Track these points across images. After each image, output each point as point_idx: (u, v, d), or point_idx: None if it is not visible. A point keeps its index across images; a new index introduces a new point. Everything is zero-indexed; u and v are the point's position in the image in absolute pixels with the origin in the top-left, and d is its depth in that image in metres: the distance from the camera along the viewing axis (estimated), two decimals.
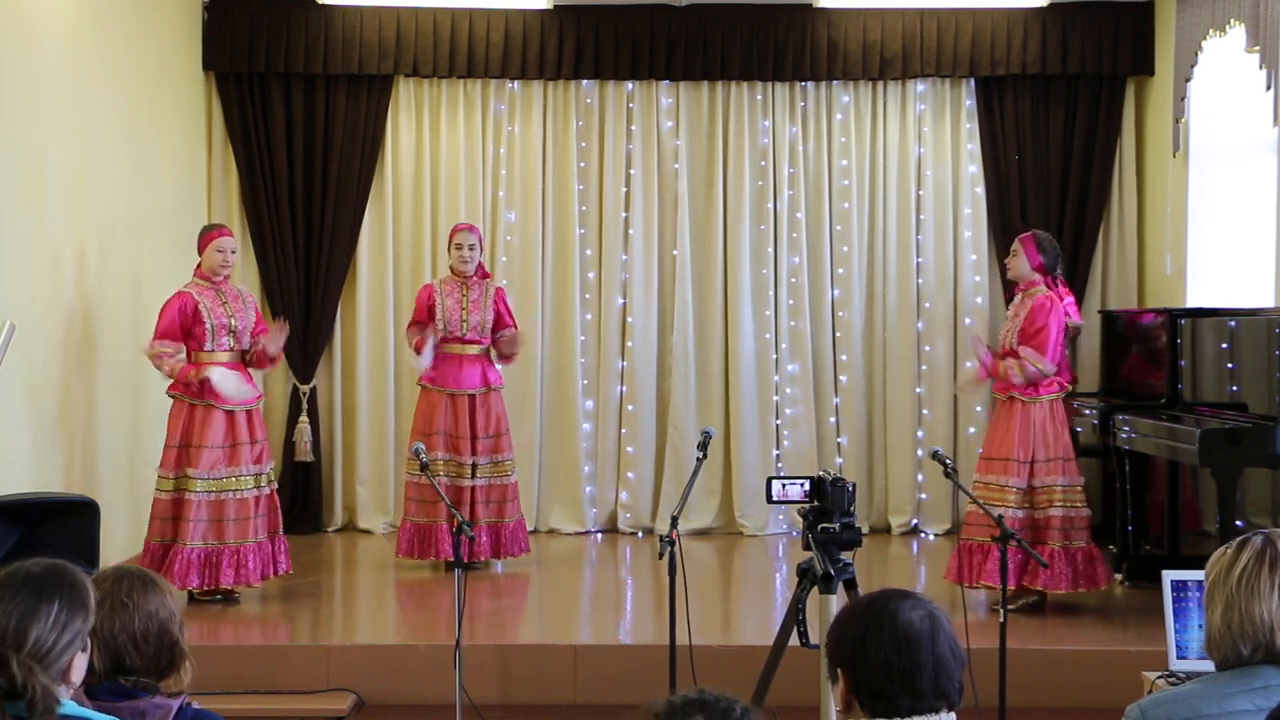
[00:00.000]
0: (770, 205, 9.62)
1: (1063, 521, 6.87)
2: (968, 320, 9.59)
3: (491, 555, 8.08)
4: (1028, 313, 6.90)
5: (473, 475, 7.98)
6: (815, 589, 4.70)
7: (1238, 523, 6.52)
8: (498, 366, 8.21)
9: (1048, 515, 6.88)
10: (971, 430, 9.55)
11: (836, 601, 4.56)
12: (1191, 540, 7.86)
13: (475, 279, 8.07)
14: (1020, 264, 7.02)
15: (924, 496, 9.58)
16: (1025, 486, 6.88)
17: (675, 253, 9.63)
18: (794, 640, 4.79)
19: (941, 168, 9.64)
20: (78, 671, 2.67)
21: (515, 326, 8.22)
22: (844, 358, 9.60)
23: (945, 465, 5.43)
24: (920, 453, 9.50)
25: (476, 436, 8.00)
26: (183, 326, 7.12)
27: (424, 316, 8.05)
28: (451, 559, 7.67)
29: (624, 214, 9.66)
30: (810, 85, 9.67)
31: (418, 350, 7.99)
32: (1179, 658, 4.60)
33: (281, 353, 7.66)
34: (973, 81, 9.61)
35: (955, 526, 9.30)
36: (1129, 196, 9.58)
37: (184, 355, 7.13)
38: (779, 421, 9.60)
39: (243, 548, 7.13)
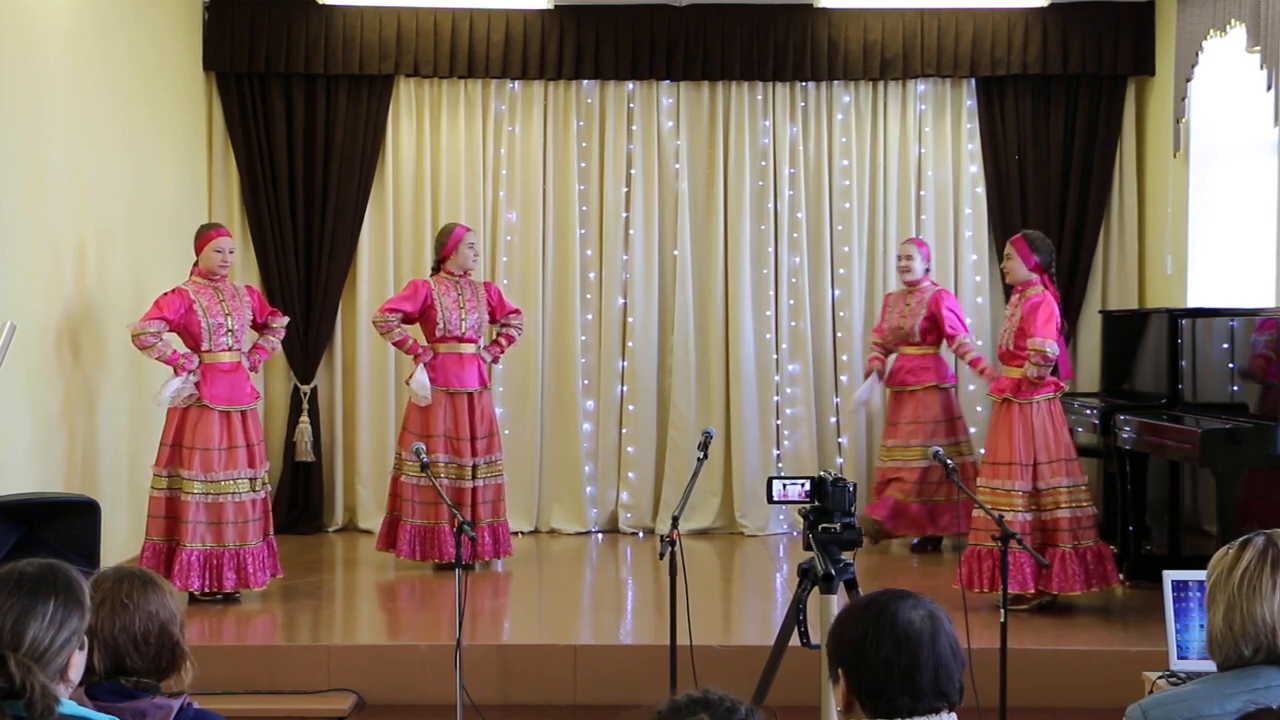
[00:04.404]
0: (771, 205, 9.62)
1: (1070, 522, 6.87)
2: (968, 320, 9.56)
3: (494, 555, 8.09)
4: (1022, 314, 6.89)
5: (473, 476, 7.98)
6: (816, 589, 4.70)
7: None
8: (488, 362, 8.20)
9: (1055, 517, 6.87)
10: (972, 430, 9.52)
11: (837, 602, 4.56)
12: (1192, 540, 7.86)
13: (466, 279, 8.09)
14: (1016, 266, 7.02)
15: None
16: (1030, 489, 6.87)
17: (676, 253, 9.63)
18: (795, 640, 4.79)
19: (942, 168, 9.65)
20: (76, 670, 2.67)
21: (519, 311, 8.36)
22: (844, 358, 9.60)
23: (946, 466, 5.43)
24: None
25: (476, 437, 8.01)
26: (175, 318, 7.10)
27: (415, 309, 7.99)
28: (452, 560, 7.69)
29: (624, 214, 9.66)
30: (811, 85, 9.67)
31: (414, 355, 7.97)
32: (1180, 658, 4.59)
33: (277, 345, 7.67)
34: (973, 81, 9.61)
35: None
36: (1129, 197, 9.58)
37: (171, 344, 7.12)
38: (779, 421, 9.60)
39: (242, 551, 7.13)
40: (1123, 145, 9.56)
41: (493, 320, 8.23)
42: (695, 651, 5.51)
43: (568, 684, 6.25)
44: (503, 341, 8.27)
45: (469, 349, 8.04)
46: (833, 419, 9.64)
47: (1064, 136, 9.54)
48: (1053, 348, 6.75)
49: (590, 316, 9.67)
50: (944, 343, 8.61)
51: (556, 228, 9.66)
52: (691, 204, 9.66)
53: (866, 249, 9.66)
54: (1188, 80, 8.38)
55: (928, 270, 8.71)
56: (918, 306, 8.56)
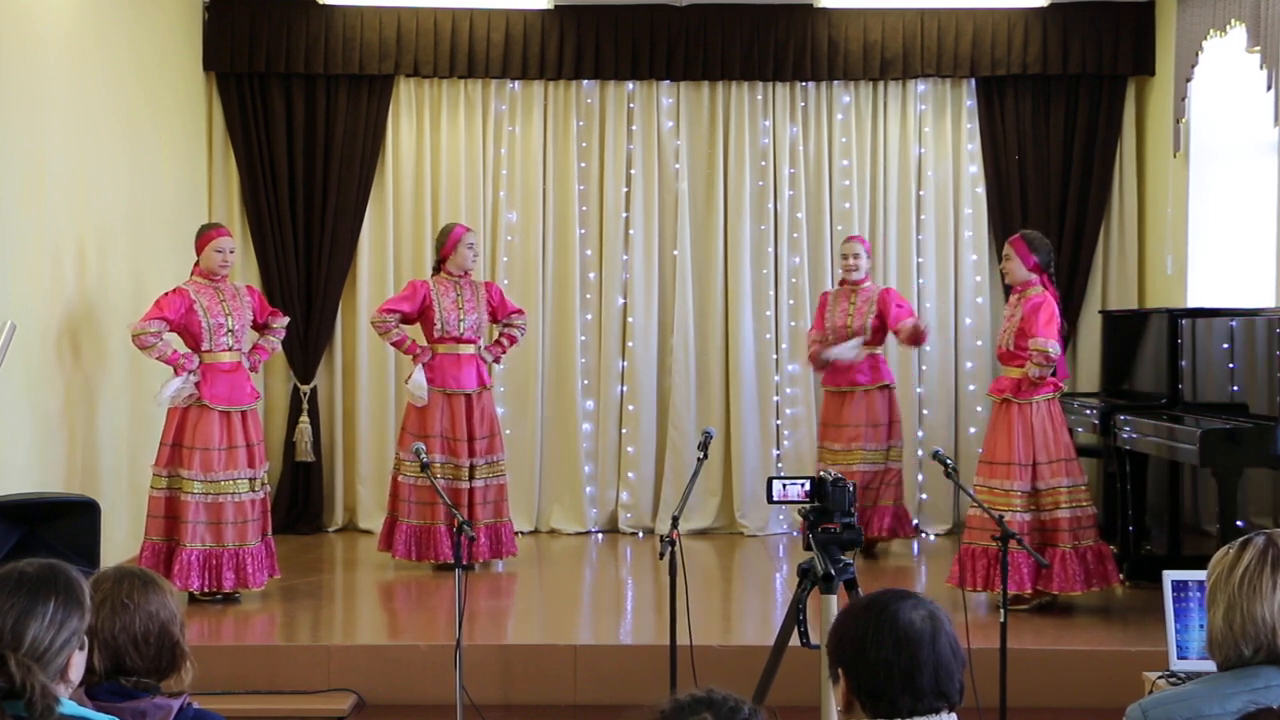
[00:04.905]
0: (771, 205, 9.63)
1: (1070, 522, 6.86)
2: (968, 320, 9.59)
3: (491, 556, 8.07)
4: (1023, 314, 6.88)
5: (470, 477, 7.96)
6: (816, 589, 4.70)
7: (1238, 523, 6.52)
8: (489, 362, 8.18)
9: (1055, 517, 6.86)
10: (972, 430, 9.54)
11: (837, 602, 4.56)
12: (1192, 540, 7.86)
13: (466, 280, 8.07)
14: (1015, 267, 7.01)
15: (925, 497, 9.58)
16: (1029, 489, 6.86)
17: (676, 253, 9.63)
18: (795, 640, 4.79)
19: (942, 168, 9.65)
20: (76, 670, 2.67)
21: (522, 311, 8.31)
22: None
23: (946, 465, 5.43)
24: (920, 453, 9.50)
25: (474, 438, 7.98)
26: (175, 318, 7.10)
27: (413, 309, 7.97)
28: (450, 561, 7.68)
29: (624, 214, 9.66)
30: (811, 85, 9.67)
31: (412, 355, 7.96)
32: (1180, 658, 4.59)
33: (278, 345, 7.67)
34: (973, 81, 9.61)
35: (956, 527, 9.29)
36: (1129, 197, 9.58)
37: (171, 344, 7.11)
38: (779, 421, 9.60)
39: (241, 551, 7.13)
40: (1123, 145, 9.56)
41: (495, 320, 8.22)
42: (695, 651, 5.51)
43: (568, 684, 6.25)
44: (504, 342, 8.25)
45: (468, 350, 8.02)
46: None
47: (1064, 136, 9.54)
48: (1055, 348, 6.75)
49: (590, 316, 9.67)
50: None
51: (556, 228, 9.66)
52: (691, 204, 9.66)
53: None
54: (1188, 80, 8.38)
55: (868, 269, 8.64)
56: (864, 305, 8.42)
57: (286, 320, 7.66)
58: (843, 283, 8.58)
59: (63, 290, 7.30)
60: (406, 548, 7.93)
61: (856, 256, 8.49)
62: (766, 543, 9.26)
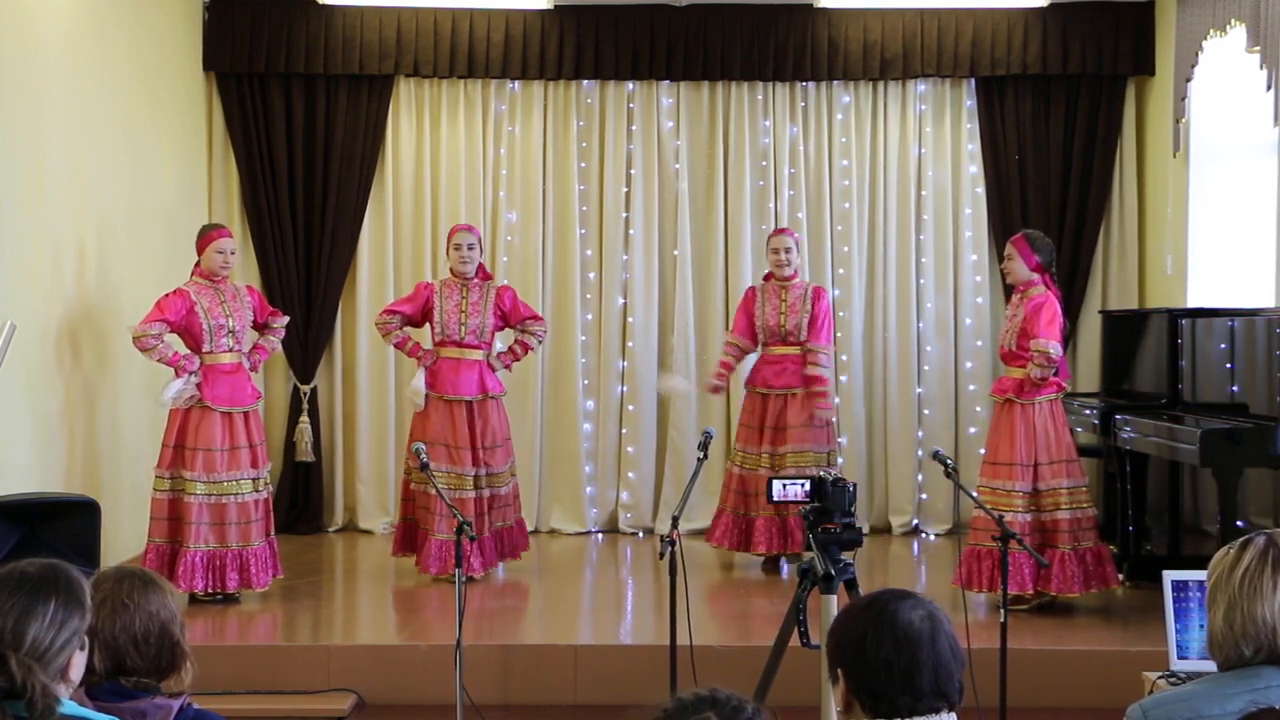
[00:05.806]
0: (771, 205, 9.63)
1: (1070, 524, 6.86)
2: (968, 320, 9.59)
3: (484, 568, 7.78)
4: (1025, 314, 6.88)
5: (474, 487, 7.79)
6: (816, 589, 4.70)
7: (1239, 523, 6.52)
8: (498, 367, 8.10)
9: (1055, 518, 6.86)
10: (972, 430, 9.54)
11: (837, 602, 4.56)
12: (1192, 540, 7.86)
13: (476, 281, 7.88)
14: (1017, 266, 7.00)
15: (924, 497, 9.58)
16: (1030, 490, 6.85)
17: (676, 253, 9.63)
18: (795, 640, 4.79)
19: (942, 168, 9.65)
20: (76, 670, 2.68)
21: (540, 318, 8.11)
22: (844, 358, 9.59)
23: (946, 465, 5.43)
24: (920, 453, 9.50)
25: (476, 447, 7.76)
26: (176, 320, 7.09)
27: (414, 311, 7.86)
28: (433, 570, 7.64)
29: (625, 214, 9.66)
30: (811, 85, 9.67)
31: (414, 357, 7.88)
32: (1180, 658, 4.60)
33: (278, 345, 7.65)
34: (973, 81, 9.61)
35: (956, 527, 9.29)
36: (1129, 197, 9.58)
37: (172, 346, 7.11)
38: None
39: (245, 551, 7.12)
40: (1123, 145, 9.57)
41: (509, 325, 8.00)
42: (695, 651, 5.51)
43: (568, 684, 6.26)
44: (517, 349, 7.96)
45: (471, 355, 7.78)
46: (833, 419, 9.61)
47: (1064, 136, 9.54)
48: (1056, 349, 6.74)
49: (590, 316, 9.67)
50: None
51: (556, 228, 9.66)
52: (691, 204, 9.66)
53: (866, 249, 9.66)
54: (1188, 80, 8.38)
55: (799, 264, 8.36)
56: (798, 303, 8.11)
57: (286, 320, 7.65)
58: (768, 277, 8.30)
59: (63, 290, 7.30)
60: (399, 543, 7.94)
61: (788, 251, 8.13)
62: None
